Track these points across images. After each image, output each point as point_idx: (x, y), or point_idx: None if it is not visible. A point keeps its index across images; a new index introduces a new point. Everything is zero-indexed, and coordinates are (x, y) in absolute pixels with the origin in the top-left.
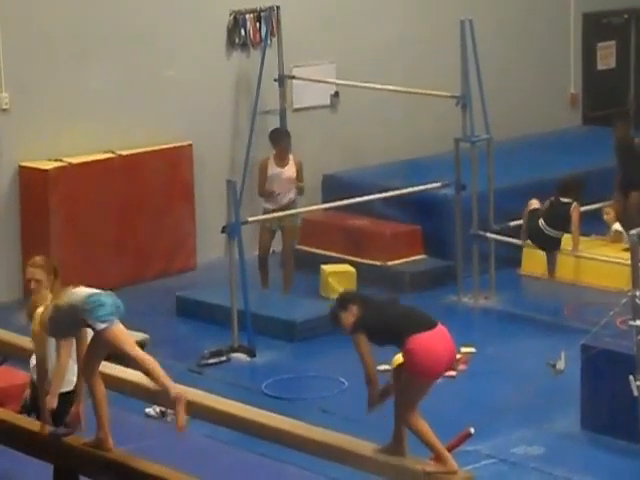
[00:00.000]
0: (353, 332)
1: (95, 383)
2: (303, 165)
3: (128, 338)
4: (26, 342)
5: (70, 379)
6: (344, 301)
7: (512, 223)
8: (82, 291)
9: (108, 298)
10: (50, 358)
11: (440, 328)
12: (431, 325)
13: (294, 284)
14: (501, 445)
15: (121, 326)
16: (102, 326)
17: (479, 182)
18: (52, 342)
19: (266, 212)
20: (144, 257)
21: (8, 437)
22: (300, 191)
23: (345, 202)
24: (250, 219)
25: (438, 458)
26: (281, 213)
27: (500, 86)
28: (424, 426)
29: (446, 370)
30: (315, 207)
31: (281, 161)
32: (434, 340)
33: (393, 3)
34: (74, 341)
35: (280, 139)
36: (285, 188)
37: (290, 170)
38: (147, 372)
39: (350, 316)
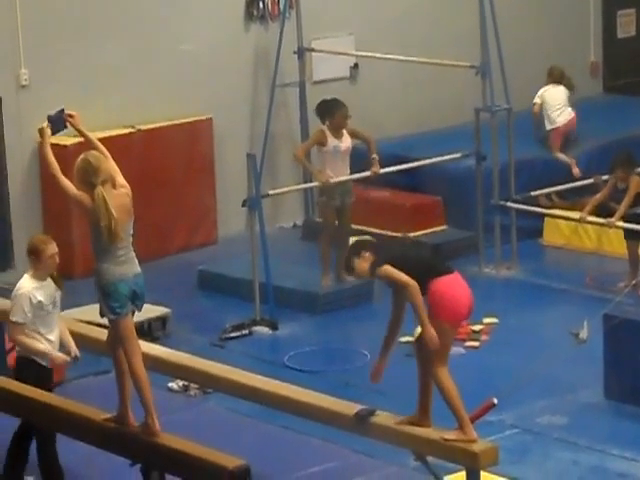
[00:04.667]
0: (373, 272)
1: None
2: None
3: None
4: None
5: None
6: (357, 248)
7: (533, 193)
8: None
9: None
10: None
11: (457, 274)
12: (449, 270)
13: (315, 257)
14: (525, 415)
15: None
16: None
17: (499, 152)
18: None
19: (325, 188)
20: (165, 232)
21: (31, 413)
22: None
23: (365, 174)
24: (270, 192)
25: (459, 424)
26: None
27: (520, 55)
28: (451, 385)
29: (469, 313)
30: (337, 179)
31: (337, 132)
32: (455, 283)
33: None
34: None
35: (336, 110)
36: (343, 162)
37: (346, 142)
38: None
39: (363, 262)
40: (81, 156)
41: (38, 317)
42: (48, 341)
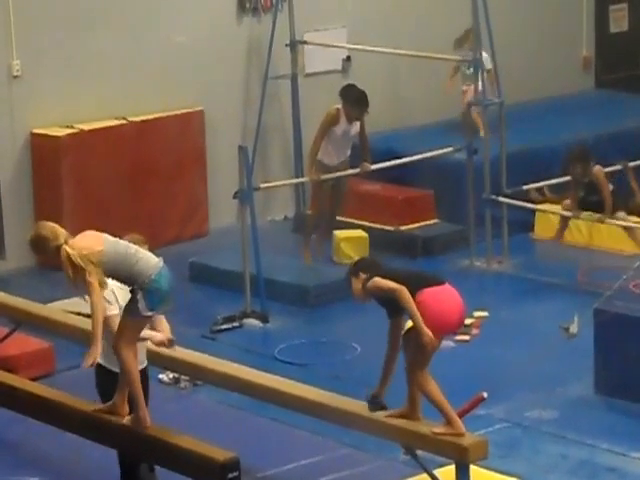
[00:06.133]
0: (365, 289)
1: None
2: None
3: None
4: (37, 308)
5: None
6: (355, 268)
7: (525, 187)
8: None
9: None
10: None
11: (448, 285)
12: (439, 282)
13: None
14: (514, 409)
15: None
16: None
17: (491, 146)
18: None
19: (324, 168)
20: (156, 223)
21: (21, 405)
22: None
23: (356, 170)
24: (262, 185)
25: (446, 419)
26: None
27: (512, 49)
28: (433, 387)
29: (458, 325)
30: (328, 176)
31: (349, 117)
32: (444, 294)
33: None
34: None
35: (359, 105)
36: (348, 145)
37: (355, 127)
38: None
39: (358, 282)
40: (34, 232)
41: None
42: None
